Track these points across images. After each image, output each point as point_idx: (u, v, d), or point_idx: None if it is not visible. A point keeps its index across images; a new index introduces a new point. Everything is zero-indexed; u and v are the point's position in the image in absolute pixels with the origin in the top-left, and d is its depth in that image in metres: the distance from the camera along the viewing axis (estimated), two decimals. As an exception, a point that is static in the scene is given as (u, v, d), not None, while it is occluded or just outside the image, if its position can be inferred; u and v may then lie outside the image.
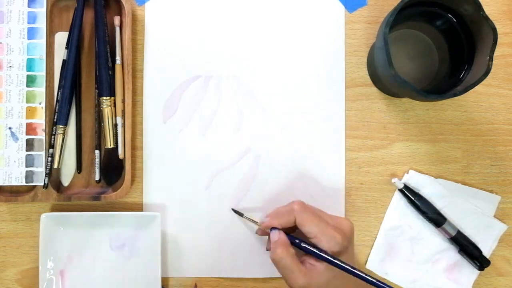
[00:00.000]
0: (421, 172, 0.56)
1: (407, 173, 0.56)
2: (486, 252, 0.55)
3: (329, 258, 0.45)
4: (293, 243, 0.48)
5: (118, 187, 0.53)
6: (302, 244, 0.47)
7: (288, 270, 0.46)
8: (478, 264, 0.54)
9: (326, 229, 0.46)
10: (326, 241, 0.46)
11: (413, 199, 0.54)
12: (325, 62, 0.56)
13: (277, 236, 0.48)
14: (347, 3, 0.57)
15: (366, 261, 0.56)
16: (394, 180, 0.55)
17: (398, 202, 0.56)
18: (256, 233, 0.54)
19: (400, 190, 0.55)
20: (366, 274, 0.45)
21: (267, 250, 0.52)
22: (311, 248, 0.47)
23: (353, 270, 0.45)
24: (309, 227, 0.46)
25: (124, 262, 0.54)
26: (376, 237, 0.56)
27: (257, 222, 0.52)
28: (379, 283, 0.44)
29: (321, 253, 0.46)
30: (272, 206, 0.54)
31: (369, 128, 0.56)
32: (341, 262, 0.45)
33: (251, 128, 0.56)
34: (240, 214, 0.54)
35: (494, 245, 0.56)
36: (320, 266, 0.46)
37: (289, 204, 0.49)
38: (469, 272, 0.55)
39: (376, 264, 0.56)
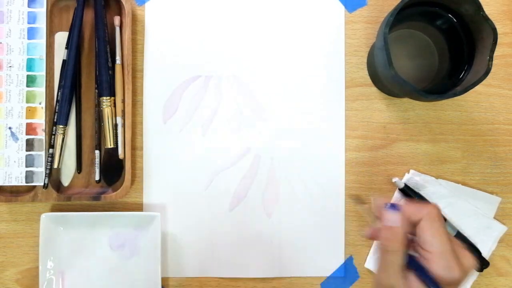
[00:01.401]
0: (421, 172, 0.56)
1: (408, 172, 0.56)
2: (486, 253, 0.55)
3: None
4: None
5: (118, 187, 0.53)
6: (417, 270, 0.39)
7: (390, 274, 0.39)
8: (477, 266, 0.54)
9: (448, 254, 0.38)
10: (442, 267, 0.38)
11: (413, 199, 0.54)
12: (325, 62, 0.56)
13: (396, 219, 0.39)
14: (347, 3, 0.56)
15: (365, 260, 0.56)
16: (395, 179, 0.55)
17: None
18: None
19: (401, 190, 0.55)
20: None
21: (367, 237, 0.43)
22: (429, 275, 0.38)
23: None
24: (432, 238, 0.39)
25: (124, 262, 0.54)
26: (376, 237, 0.56)
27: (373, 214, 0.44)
28: None
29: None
30: (273, 206, 0.54)
31: (369, 128, 0.56)
32: None
33: (251, 128, 0.56)
34: (361, 202, 0.50)
35: (494, 246, 0.55)
36: None
37: (424, 203, 0.43)
38: (469, 273, 0.55)
39: (375, 263, 0.55)
